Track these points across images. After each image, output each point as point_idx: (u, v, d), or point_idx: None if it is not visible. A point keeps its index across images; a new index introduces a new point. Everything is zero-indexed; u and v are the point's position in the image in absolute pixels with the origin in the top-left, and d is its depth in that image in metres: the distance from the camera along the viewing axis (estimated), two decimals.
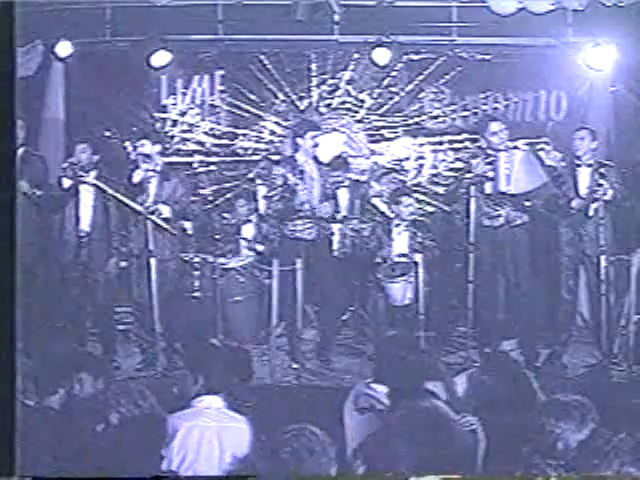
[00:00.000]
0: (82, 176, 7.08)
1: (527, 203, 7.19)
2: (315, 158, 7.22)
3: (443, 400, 3.94)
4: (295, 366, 6.98)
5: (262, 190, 8.34)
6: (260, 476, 3.05)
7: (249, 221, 8.24)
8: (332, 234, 7.52)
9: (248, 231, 8.23)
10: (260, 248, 8.04)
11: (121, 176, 7.25)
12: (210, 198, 8.87)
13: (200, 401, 4.13)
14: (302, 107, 9.00)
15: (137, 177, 7.02)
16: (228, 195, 8.90)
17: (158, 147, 7.29)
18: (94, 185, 7.13)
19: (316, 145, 7.14)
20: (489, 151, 7.12)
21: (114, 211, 7.17)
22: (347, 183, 8.09)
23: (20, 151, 7.13)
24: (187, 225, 7.67)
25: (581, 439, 3.36)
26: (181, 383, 4.22)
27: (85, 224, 7.18)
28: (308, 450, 3.04)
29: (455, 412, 3.79)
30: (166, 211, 7.14)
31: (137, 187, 7.02)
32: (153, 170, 7.06)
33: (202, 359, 4.29)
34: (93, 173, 7.15)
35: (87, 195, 7.21)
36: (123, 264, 7.35)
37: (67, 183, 7.13)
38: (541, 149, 7.33)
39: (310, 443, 3.06)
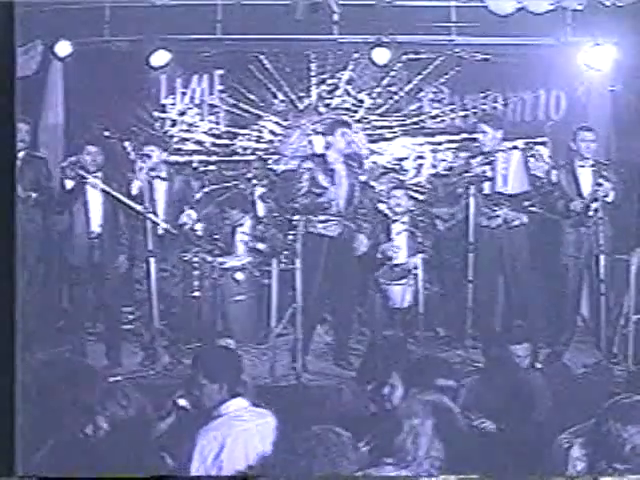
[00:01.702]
0: (84, 176, 7.08)
1: (525, 203, 7.20)
2: (347, 156, 7.26)
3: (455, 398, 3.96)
4: (295, 366, 6.99)
5: (259, 190, 8.36)
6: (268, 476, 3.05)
7: (244, 222, 8.24)
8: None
9: (246, 231, 8.23)
10: (260, 247, 8.04)
11: (119, 176, 7.26)
12: (209, 198, 8.86)
13: (228, 407, 4.10)
14: (301, 107, 8.99)
15: (135, 187, 7.02)
16: (227, 195, 8.89)
17: (165, 154, 7.31)
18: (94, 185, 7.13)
19: (349, 144, 7.17)
20: (487, 151, 7.13)
21: (121, 211, 7.16)
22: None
23: (22, 154, 7.15)
24: (198, 227, 7.67)
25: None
26: (206, 393, 4.18)
27: (95, 224, 7.18)
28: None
29: (471, 414, 3.80)
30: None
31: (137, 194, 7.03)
32: (157, 175, 7.09)
33: (219, 365, 4.25)
34: (99, 174, 7.15)
35: (94, 195, 7.20)
36: (129, 264, 7.37)
37: (68, 183, 7.13)
38: (532, 155, 7.36)
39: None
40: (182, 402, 4.24)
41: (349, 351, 7.40)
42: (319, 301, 7.33)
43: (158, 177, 7.24)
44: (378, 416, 4.26)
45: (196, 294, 7.62)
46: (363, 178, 7.54)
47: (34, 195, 7.14)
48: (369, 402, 4.49)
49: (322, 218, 7.16)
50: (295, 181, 7.30)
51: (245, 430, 4.01)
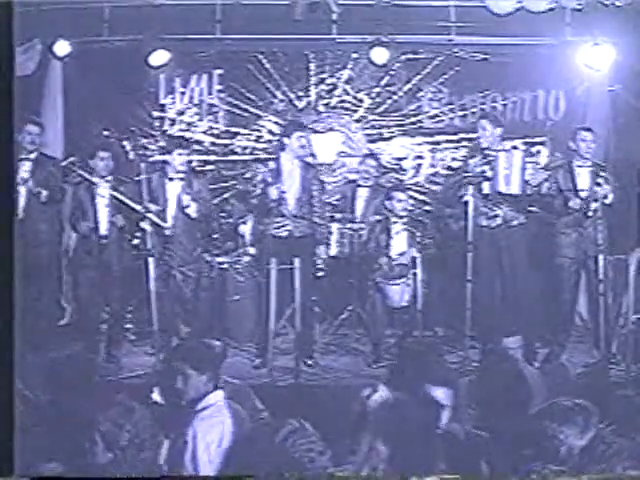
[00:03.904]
0: (82, 176, 7.09)
1: (524, 203, 7.19)
2: (301, 158, 7.22)
3: (447, 406, 3.94)
4: (292, 366, 6.98)
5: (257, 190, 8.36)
6: (259, 476, 3.05)
7: (245, 221, 8.24)
8: (330, 233, 7.55)
9: (244, 231, 8.23)
10: (255, 248, 8.04)
11: (118, 176, 7.26)
12: (208, 197, 8.84)
13: (211, 397, 4.20)
14: (300, 106, 9.00)
15: (134, 187, 7.01)
16: (226, 195, 8.89)
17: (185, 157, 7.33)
18: (93, 184, 7.13)
19: (303, 146, 7.14)
20: (487, 151, 7.13)
21: (120, 211, 7.15)
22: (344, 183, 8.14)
23: (34, 155, 7.17)
24: (197, 226, 7.68)
25: (584, 444, 3.32)
26: (191, 382, 4.24)
27: (95, 225, 7.18)
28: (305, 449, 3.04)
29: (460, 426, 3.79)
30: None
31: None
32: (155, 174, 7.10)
33: (206, 358, 4.34)
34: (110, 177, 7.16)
35: (94, 196, 7.18)
36: (128, 263, 7.36)
37: (67, 183, 7.14)
38: (532, 154, 7.35)
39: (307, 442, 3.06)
40: (156, 397, 4.30)
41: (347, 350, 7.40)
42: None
43: (157, 175, 7.25)
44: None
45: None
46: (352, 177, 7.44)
47: (44, 193, 7.13)
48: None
49: (275, 219, 7.12)
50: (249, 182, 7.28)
51: (232, 418, 4.11)
